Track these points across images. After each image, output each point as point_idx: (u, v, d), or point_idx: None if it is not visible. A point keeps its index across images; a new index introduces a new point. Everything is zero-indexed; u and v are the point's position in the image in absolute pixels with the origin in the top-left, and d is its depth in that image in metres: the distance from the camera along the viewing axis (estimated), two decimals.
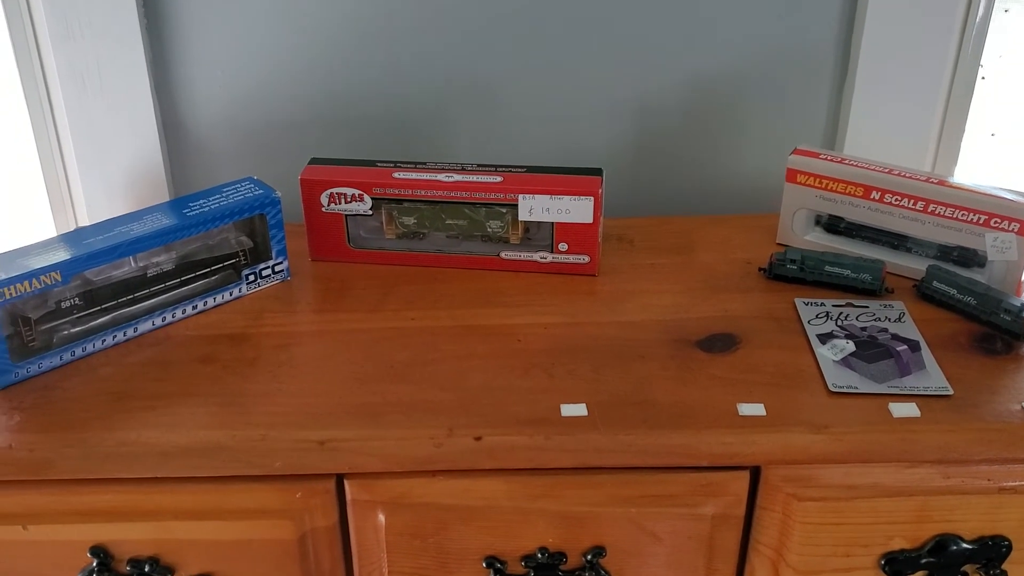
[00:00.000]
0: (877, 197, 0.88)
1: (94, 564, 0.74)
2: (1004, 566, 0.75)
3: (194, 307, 0.85)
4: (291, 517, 0.73)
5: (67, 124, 0.99)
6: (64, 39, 0.95)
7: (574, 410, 0.73)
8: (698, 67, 1.02)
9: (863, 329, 0.81)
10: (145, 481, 0.72)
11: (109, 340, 0.81)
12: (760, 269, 0.90)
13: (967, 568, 0.75)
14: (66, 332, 0.80)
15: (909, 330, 0.82)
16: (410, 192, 0.89)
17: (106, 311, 0.82)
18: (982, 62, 1.01)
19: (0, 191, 1.06)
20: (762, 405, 0.73)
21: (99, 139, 1.00)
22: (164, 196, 1.03)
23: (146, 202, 1.00)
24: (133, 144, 1.00)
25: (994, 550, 0.75)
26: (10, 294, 0.74)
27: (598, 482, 0.72)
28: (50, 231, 1.06)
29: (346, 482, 0.72)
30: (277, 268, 0.89)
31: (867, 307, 0.85)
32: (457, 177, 0.89)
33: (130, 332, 0.82)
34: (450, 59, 1.01)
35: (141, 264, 0.83)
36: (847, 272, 0.86)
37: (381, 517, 0.73)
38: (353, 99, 1.02)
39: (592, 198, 0.87)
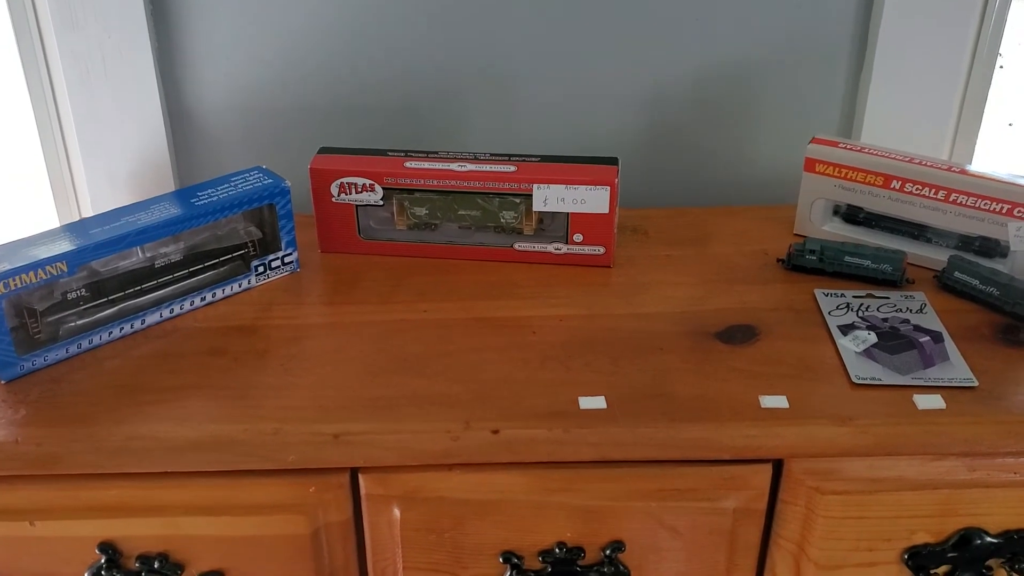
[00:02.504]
0: (897, 186, 0.87)
1: (102, 560, 0.72)
2: None
3: (202, 299, 0.83)
4: (304, 512, 0.71)
5: (70, 113, 0.97)
6: (68, 27, 0.93)
7: (593, 403, 0.71)
8: (713, 56, 1.00)
9: (884, 320, 0.80)
10: (154, 476, 0.70)
11: (116, 332, 0.79)
12: (779, 260, 0.89)
13: (991, 563, 0.74)
14: (72, 324, 0.78)
15: (931, 321, 0.80)
16: (422, 182, 0.87)
17: (113, 303, 0.80)
18: (1000, 51, 1.00)
19: (2, 181, 1.04)
20: (785, 397, 0.71)
21: (103, 128, 0.98)
22: (169, 186, 1.01)
23: (151, 192, 0.98)
24: (138, 133, 0.99)
25: (1020, 544, 0.73)
26: (15, 284, 0.73)
27: (617, 476, 0.71)
28: (53, 221, 1.04)
29: (360, 476, 0.71)
30: (287, 259, 0.87)
31: (888, 298, 0.83)
32: (470, 167, 0.87)
33: (137, 324, 0.80)
34: (463, 46, 0.99)
35: (148, 255, 0.82)
36: (867, 263, 0.85)
37: (396, 511, 0.72)
38: (363, 87, 1.00)
39: (608, 188, 0.85)
